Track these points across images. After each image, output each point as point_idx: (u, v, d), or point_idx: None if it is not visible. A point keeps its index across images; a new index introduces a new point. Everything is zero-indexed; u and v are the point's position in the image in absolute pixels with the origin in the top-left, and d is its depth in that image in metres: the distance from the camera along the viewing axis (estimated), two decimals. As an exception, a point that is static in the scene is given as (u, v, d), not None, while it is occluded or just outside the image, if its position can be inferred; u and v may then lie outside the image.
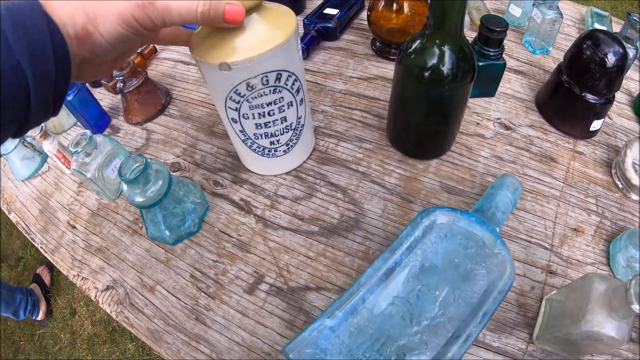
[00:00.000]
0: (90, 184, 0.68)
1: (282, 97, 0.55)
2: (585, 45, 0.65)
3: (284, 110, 0.57)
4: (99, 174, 0.67)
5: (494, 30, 0.69)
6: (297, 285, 0.58)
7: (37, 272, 1.96)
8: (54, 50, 0.31)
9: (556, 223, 0.61)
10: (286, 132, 0.61)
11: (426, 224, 0.49)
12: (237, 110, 0.55)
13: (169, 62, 0.99)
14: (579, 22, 0.99)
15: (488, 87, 0.78)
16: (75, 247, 0.68)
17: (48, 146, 0.73)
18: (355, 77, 0.87)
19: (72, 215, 0.73)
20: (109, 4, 0.35)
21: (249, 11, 0.47)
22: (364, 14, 1.02)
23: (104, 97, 0.93)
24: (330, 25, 0.91)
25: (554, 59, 0.88)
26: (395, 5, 0.81)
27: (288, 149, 0.64)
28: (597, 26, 0.93)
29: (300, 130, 0.63)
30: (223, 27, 0.46)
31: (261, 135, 0.60)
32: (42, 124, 0.72)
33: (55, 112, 0.36)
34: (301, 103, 0.59)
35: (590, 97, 0.66)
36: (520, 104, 0.78)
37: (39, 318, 1.82)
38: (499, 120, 0.75)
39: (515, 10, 0.95)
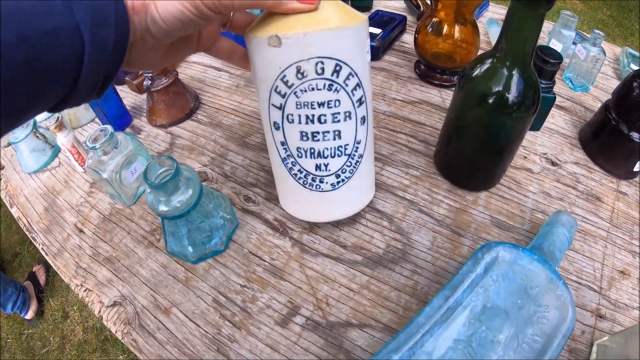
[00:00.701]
0: (105, 185, 0.62)
1: (339, 101, 0.43)
2: (635, 84, 0.63)
3: (338, 121, 0.44)
4: (116, 175, 0.61)
5: (548, 61, 0.65)
6: (337, 320, 0.51)
7: (34, 270, 1.90)
8: (116, 20, 0.29)
9: (604, 265, 0.57)
10: (338, 155, 0.47)
11: (488, 261, 0.45)
12: (282, 108, 0.44)
13: (199, 67, 0.94)
14: (614, 62, 0.97)
15: (535, 120, 0.73)
16: (81, 254, 0.61)
17: (62, 139, 0.68)
18: (399, 100, 0.82)
19: (81, 218, 0.66)
20: None
21: None
22: (405, 37, 0.99)
23: (127, 96, 0.87)
24: (373, 44, 0.87)
25: (593, 97, 0.85)
26: (445, 29, 0.76)
27: (338, 183, 0.50)
28: (633, 67, 0.90)
29: (358, 161, 0.49)
30: (297, 10, 0.38)
31: (306, 152, 0.47)
32: (59, 115, 0.67)
33: (100, 93, 0.33)
34: (363, 122, 0.47)
35: (637, 136, 0.63)
36: (564, 140, 0.75)
37: (27, 317, 1.75)
38: (545, 155, 0.71)
39: (556, 45, 0.91)
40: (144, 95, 0.87)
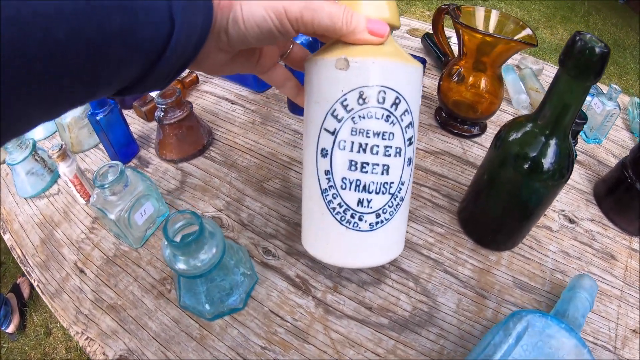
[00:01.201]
0: (111, 225, 0.59)
1: (393, 135, 0.42)
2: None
3: (389, 155, 0.42)
4: (124, 217, 0.58)
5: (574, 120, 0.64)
6: (362, 388, 0.49)
7: (18, 282, 1.81)
8: (204, 10, 0.30)
9: (618, 324, 0.56)
10: (383, 192, 0.44)
11: (519, 330, 0.44)
12: (335, 133, 0.42)
13: (212, 97, 0.91)
14: (623, 112, 0.98)
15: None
16: (82, 298, 0.57)
17: (64, 169, 0.64)
18: (421, 149, 0.80)
19: (82, 256, 0.62)
20: None
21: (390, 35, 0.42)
22: (425, 81, 0.98)
23: (133, 122, 0.83)
24: None
25: (605, 149, 0.86)
26: (470, 79, 0.75)
27: (377, 224, 0.45)
28: None
29: (399, 203, 0.46)
30: (366, 42, 0.39)
31: (351, 184, 0.43)
32: (62, 143, 0.63)
33: (169, 82, 0.33)
34: (409, 163, 0.45)
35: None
36: (580, 195, 0.75)
37: (8, 330, 1.66)
38: (563, 212, 0.71)
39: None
40: (152, 124, 0.84)
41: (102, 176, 0.56)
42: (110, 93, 0.30)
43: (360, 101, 0.40)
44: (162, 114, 0.70)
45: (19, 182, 0.70)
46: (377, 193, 0.44)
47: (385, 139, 0.42)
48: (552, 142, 0.49)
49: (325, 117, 0.42)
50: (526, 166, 0.50)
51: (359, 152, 0.42)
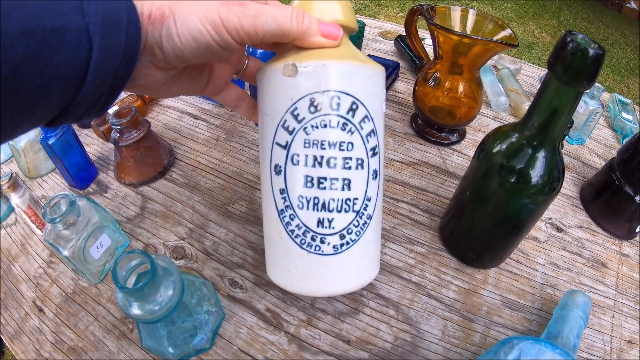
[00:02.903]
0: (66, 262, 0.53)
1: (352, 144, 0.37)
2: (641, 145, 0.59)
3: (349, 167, 0.37)
4: (79, 252, 0.52)
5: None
6: None
7: None
8: (127, 26, 0.26)
9: (612, 337, 0.53)
10: (346, 210, 0.38)
11: None
12: (287, 147, 0.37)
13: (174, 112, 0.84)
14: (604, 109, 0.93)
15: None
16: (42, 339, 0.51)
17: (17, 200, 0.59)
18: (397, 161, 0.74)
19: (40, 294, 0.56)
20: None
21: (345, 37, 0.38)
22: (399, 85, 0.92)
23: (92, 143, 0.77)
24: None
25: (589, 149, 0.82)
26: (447, 83, 0.70)
27: (342, 246, 0.39)
28: (625, 115, 0.89)
29: (367, 222, 0.40)
30: (319, 45, 0.35)
31: (309, 202, 0.38)
32: (13, 172, 0.58)
33: (102, 110, 0.30)
34: (375, 176, 0.39)
35: (641, 198, 0.60)
36: (566, 201, 0.70)
37: None
38: (550, 221, 0.66)
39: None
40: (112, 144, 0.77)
41: (53, 209, 0.51)
42: (40, 123, 0.27)
43: (312, 109, 0.36)
44: (118, 135, 0.63)
45: None
46: (338, 211, 0.38)
47: (344, 150, 0.36)
48: (541, 154, 0.44)
49: (277, 130, 0.37)
50: (512, 180, 0.45)
51: (314, 166, 0.37)
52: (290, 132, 0.37)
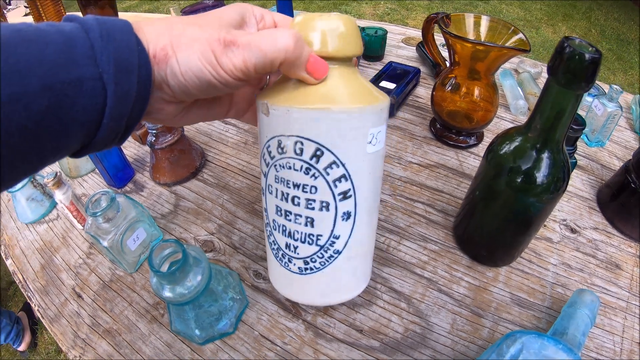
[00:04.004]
0: (105, 252, 0.57)
1: (315, 188, 0.37)
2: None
3: (312, 208, 0.38)
4: (117, 243, 0.56)
5: (571, 127, 0.60)
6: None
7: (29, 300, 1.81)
8: (139, 70, 0.28)
9: (624, 338, 0.52)
10: (309, 243, 0.40)
11: (512, 353, 0.41)
12: (266, 176, 0.40)
13: (206, 118, 0.88)
14: (626, 110, 0.92)
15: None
16: (80, 322, 0.55)
17: (60, 196, 0.62)
18: (415, 163, 0.76)
19: (79, 281, 0.60)
20: (192, 31, 0.30)
21: (341, 66, 0.37)
22: (420, 90, 0.93)
23: (129, 145, 0.81)
24: None
25: (609, 152, 0.81)
26: (463, 88, 0.71)
27: (306, 270, 0.42)
28: None
29: (333, 256, 0.41)
30: (302, 78, 0.35)
31: (279, 227, 0.41)
32: (57, 170, 0.63)
33: (121, 140, 0.31)
34: (346, 218, 0.39)
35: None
36: (582, 203, 0.70)
37: (20, 348, 1.67)
38: (564, 222, 0.66)
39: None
40: (148, 147, 0.81)
41: (94, 204, 0.55)
42: (61, 158, 0.29)
43: (279, 150, 0.37)
44: (154, 138, 0.67)
45: (20, 208, 0.69)
46: (302, 242, 0.41)
47: (307, 192, 0.38)
48: (545, 155, 0.45)
49: (260, 158, 0.40)
50: (519, 180, 0.46)
51: (281, 200, 0.39)
52: (267, 165, 0.39)
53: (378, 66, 1.03)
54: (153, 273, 0.42)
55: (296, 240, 0.40)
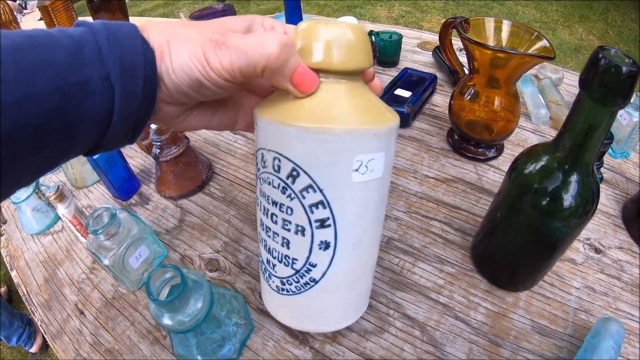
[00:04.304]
0: (107, 269, 0.55)
1: (291, 209, 0.34)
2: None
3: (288, 230, 0.35)
4: (119, 261, 0.53)
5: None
6: None
7: None
8: (145, 71, 0.28)
9: None
10: (285, 264, 0.38)
11: None
12: (257, 186, 0.39)
13: (214, 128, 0.85)
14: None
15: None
16: (81, 340, 0.54)
17: (63, 210, 0.61)
18: (431, 177, 0.72)
19: (82, 297, 0.58)
20: (189, 32, 0.31)
21: (339, 81, 0.33)
22: (436, 98, 0.90)
23: (135, 156, 0.79)
24: (404, 110, 0.77)
25: (634, 163, 0.77)
26: (484, 96, 0.67)
27: (282, 290, 0.40)
28: None
29: (309, 284, 0.38)
30: (287, 90, 0.32)
31: (262, 240, 0.39)
32: (59, 184, 0.61)
33: (132, 139, 0.32)
34: (324, 247, 0.36)
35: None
36: (607, 219, 0.65)
37: (32, 350, 1.69)
38: (588, 241, 0.62)
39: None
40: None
41: (95, 221, 0.53)
42: (78, 155, 0.30)
43: (262, 163, 0.35)
44: (158, 150, 0.65)
45: (25, 219, 0.68)
46: (279, 262, 0.38)
47: (283, 212, 0.35)
48: (573, 176, 0.41)
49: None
50: (544, 202, 0.43)
51: (264, 214, 0.38)
52: (256, 176, 0.38)
53: (393, 72, 0.99)
54: (151, 301, 0.39)
55: (274, 258, 0.38)
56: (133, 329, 0.54)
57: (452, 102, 0.72)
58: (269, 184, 0.35)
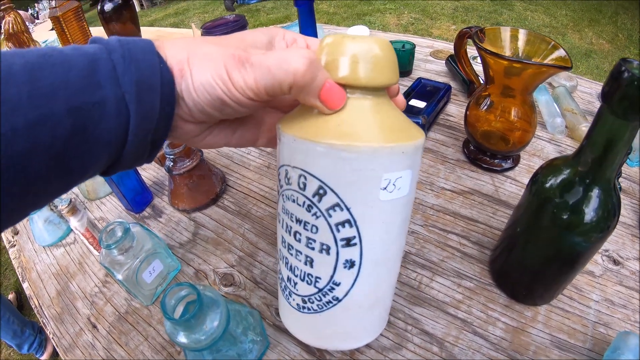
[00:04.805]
0: (120, 284, 0.55)
1: (316, 228, 0.34)
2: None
3: (312, 248, 0.35)
4: (132, 276, 0.53)
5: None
6: None
7: None
8: (162, 89, 0.28)
9: None
10: (308, 282, 0.37)
11: None
12: (278, 203, 0.38)
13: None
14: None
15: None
16: (94, 354, 0.53)
17: (75, 223, 0.61)
18: (448, 190, 0.71)
19: (95, 311, 0.58)
20: (209, 48, 0.30)
21: (365, 96, 0.32)
22: (451, 108, 0.89)
23: (148, 168, 0.79)
24: (419, 121, 0.76)
25: None
26: (500, 107, 0.66)
27: (303, 308, 0.39)
28: None
29: (332, 303, 0.37)
30: (314, 106, 0.32)
31: (283, 258, 0.39)
32: (71, 197, 0.62)
33: (150, 158, 0.32)
34: (349, 266, 0.35)
35: None
36: (625, 230, 0.64)
37: (43, 358, 1.70)
38: (607, 253, 0.61)
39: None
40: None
41: (109, 235, 0.53)
42: (94, 175, 0.30)
43: (286, 180, 0.34)
44: (172, 163, 0.65)
45: (37, 230, 0.68)
46: (301, 280, 0.37)
47: (308, 230, 0.34)
48: (595, 191, 0.40)
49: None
50: (565, 217, 0.42)
51: (286, 231, 0.37)
52: (278, 193, 0.37)
53: (407, 82, 0.98)
54: (166, 319, 0.39)
55: (296, 276, 0.38)
56: (147, 344, 0.53)
57: (467, 112, 0.71)
58: (293, 201, 0.34)
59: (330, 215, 0.33)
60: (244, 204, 0.71)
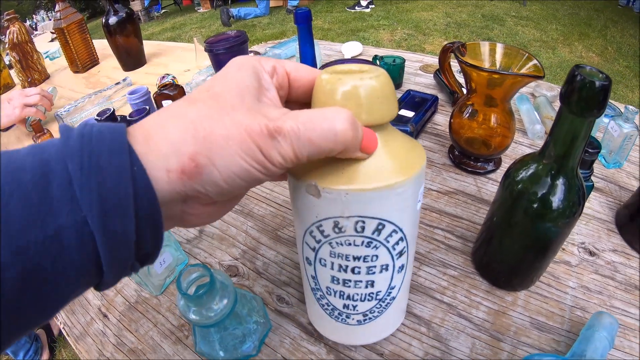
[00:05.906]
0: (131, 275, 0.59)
1: (377, 256, 0.37)
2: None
3: (373, 273, 0.39)
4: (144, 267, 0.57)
5: (587, 150, 0.61)
6: None
7: None
8: (136, 203, 0.22)
9: None
10: (369, 300, 0.42)
11: None
12: (315, 250, 0.39)
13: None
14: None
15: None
16: (105, 341, 0.57)
17: None
18: (434, 190, 0.77)
19: (105, 302, 0.62)
20: (228, 126, 0.25)
21: (382, 130, 0.35)
22: (438, 118, 0.95)
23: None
24: (408, 129, 0.82)
25: (627, 173, 0.81)
26: (481, 115, 0.73)
27: (365, 320, 0.45)
28: None
29: (389, 303, 0.44)
30: (354, 158, 0.32)
31: (335, 293, 0.42)
32: None
33: (152, 261, 0.27)
34: (400, 270, 0.41)
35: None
36: (601, 225, 0.69)
37: None
38: (583, 245, 0.66)
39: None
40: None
41: None
42: (81, 294, 0.25)
43: (337, 230, 0.35)
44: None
45: None
46: (362, 301, 0.42)
47: (368, 261, 0.38)
48: (559, 181, 0.46)
49: (305, 233, 0.38)
50: (535, 206, 0.48)
51: (339, 271, 0.39)
52: (317, 242, 0.38)
53: (397, 94, 1.04)
54: (181, 295, 0.44)
55: (355, 300, 0.42)
56: (156, 330, 0.58)
57: (452, 120, 0.78)
58: (349, 244, 0.36)
59: (388, 241, 0.37)
60: (246, 204, 0.76)
